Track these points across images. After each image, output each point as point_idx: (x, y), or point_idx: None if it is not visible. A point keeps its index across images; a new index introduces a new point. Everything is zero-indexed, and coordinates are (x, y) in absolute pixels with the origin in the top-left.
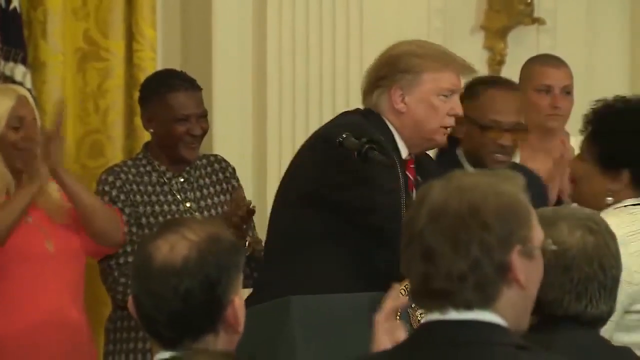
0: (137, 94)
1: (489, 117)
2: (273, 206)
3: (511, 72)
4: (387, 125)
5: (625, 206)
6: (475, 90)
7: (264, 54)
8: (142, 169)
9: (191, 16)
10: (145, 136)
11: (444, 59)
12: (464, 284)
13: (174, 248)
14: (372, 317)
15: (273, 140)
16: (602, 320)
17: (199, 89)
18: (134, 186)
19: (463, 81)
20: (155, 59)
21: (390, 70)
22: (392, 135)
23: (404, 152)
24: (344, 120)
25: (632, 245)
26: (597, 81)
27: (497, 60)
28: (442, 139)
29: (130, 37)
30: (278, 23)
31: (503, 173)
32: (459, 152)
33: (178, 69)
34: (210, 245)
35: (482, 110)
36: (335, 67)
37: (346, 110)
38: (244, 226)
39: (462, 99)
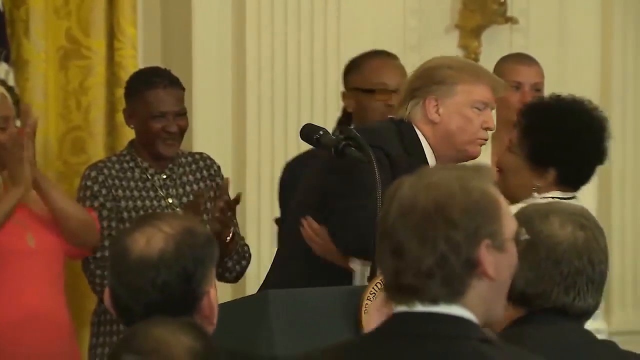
0: (118, 92)
1: (375, 81)
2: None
3: None
4: (416, 134)
5: (552, 198)
6: (356, 63)
7: (243, 53)
8: (125, 164)
9: (171, 14)
10: (127, 132)
11: (478, 73)
12: (432, 280)
13: (151, 241)
14: (350, 309)
15: (252, 138)
16: (588, 314)
17: (179, 87)
18: (117, 181)
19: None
20: (136, 56)
21: (425, 81)
22: (421, 145)
23: (432, 163)
24: (368, 126)
25: None
26: (568, 80)
27: (471, 59)
28: (475, 150)
29: (112, 35)
30: (257, 22)
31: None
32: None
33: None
34: (186, 237)
35: (368, 78)
36: (313, 65)
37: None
38: (229, 213)
39: (346, 74)
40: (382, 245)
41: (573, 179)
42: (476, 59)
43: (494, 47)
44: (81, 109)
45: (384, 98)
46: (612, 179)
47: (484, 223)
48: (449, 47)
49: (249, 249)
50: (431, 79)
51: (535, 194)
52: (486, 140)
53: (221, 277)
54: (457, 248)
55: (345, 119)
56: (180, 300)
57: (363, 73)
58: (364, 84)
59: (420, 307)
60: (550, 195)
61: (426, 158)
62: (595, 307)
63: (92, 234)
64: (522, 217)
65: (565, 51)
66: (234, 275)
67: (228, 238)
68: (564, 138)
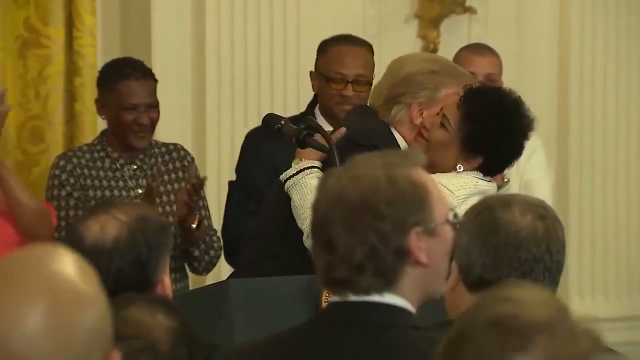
0: (77, 80)
1: (334, 70)
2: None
3: None
4: (394, 138)
5: (475, 177)
6: (324, 46)
7: (202, 42)
8: (96, 154)
9: (130, 3)
10: (86, 122)
11: (458, 75)
12: (363, 273)
13: (105, 228)
14: (310, 298)
15: (212, 127)
16: None
17: (152, 78)
18: (85, 170)
19: None
20: (95, 45)
21: (409, 87)
22: (400, 147)
23: None
24: (369, 126)
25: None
26: (526, 69)
27: (430, 49)
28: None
29: (70, 24)
30: (216, 11)
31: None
32: (316, 109)
33: (117, 55)
34: (140, 225)
35: (328, 64)
36: (273, 54)
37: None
38: (195, 198)
39: (317, 54)
40: (315, 238)
41: (493, 169)
42: (435, 49)
43: (453, 36)
44: (40, 98)
45: (339, 88)
46: (570, 169)
47: (412, 211)
48: (408, 36)
49: (219, 240)
50: (416, 85)
51: (458, 171)
52: None
53: (192, 268)
54: (386, 239)
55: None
56: (134, 287)
57: (326, 58)
58: (324, 70)
59: (352, 297)
60: (473, 175)
61: None
62: None
63: (46, 227)
64: (484, 205)
65: (523, 41)
66: (202, 265)
67: (194, 225)
68: (501, 135)
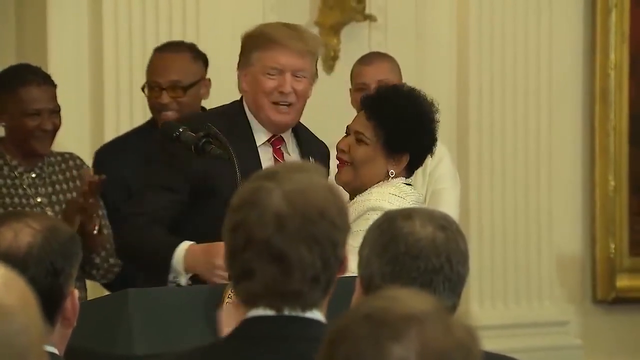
0: None
1: (151, 79)
2: None
3: (345, 67)
4: (244, 110)
5: (405, 183)
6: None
7: (100, 46)
8: None
9: (26, 9)
10: None
11: (273, 38)
12: (317, 284)
13: (18, 235)
14: (210, 308)
15: (110, 132)
16: None
17: (52, 84)
18: None
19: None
20: None
21: (240, 52)
22: (248, 121)
23: (262, 137)
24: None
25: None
26: (426, 74)
27: (331, 56)
28: (275, 115)
29: None
30: (114, 17)
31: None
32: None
33: (13, 62)
34: (53, 234)
35: (148, 74)
36: None
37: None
38: (90, 200)
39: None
40: (251, 253)
41: (416, 164)
42: (336, 56)
43: (353, 44)
44: None
45: (155, 95)
46: (469, 175)
47: (349, 222)
48: None
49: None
50: (241, 50)
51: (391, 179)
52: (288, 104)
53: (89, 275)
54: (337, 249)
55: None
56: (47, 297)
57: (148, 68)
58: (148, 79)
59: (286, 312)
60: (400, 182)
61: (254, 136)
62: (453, 308)
63: None
64: (385, 217)
65: (422, 47)
66: (101, 272)
67: (95, 230)
68: (416, 124)
